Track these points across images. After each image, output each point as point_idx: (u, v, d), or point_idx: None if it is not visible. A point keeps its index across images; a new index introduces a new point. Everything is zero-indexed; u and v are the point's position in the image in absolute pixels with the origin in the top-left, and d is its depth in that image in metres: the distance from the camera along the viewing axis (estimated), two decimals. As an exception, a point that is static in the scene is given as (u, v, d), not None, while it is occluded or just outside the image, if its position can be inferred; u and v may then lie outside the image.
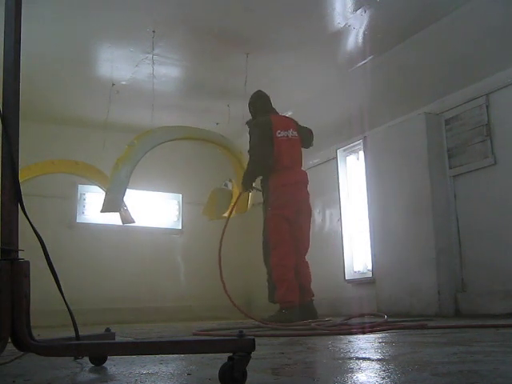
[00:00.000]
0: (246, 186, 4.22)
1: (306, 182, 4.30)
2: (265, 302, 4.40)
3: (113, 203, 4.34)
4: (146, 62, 4.76)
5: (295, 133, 4.27)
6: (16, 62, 1.44)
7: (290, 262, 4.06)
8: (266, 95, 4.44)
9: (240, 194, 4.35)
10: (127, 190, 4.45)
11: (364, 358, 1.67)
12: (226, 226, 4.15)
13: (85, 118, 6.03)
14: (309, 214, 4.30)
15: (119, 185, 4.32)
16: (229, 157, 4.93)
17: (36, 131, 5.63)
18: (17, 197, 1.38)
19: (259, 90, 4.46)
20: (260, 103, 4.41)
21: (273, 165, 4.13)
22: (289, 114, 5.73)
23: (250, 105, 4.46)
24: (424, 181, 4.50)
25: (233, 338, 1.23)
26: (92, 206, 6.25)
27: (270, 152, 4.09)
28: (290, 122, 4.32)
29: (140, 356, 1.80)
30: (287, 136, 4.18)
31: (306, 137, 4.43)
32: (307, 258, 4.33)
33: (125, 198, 4.46)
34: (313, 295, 4.22)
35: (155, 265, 6.36)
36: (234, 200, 4.61)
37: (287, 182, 4.14)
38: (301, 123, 4.43)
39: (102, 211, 4.43)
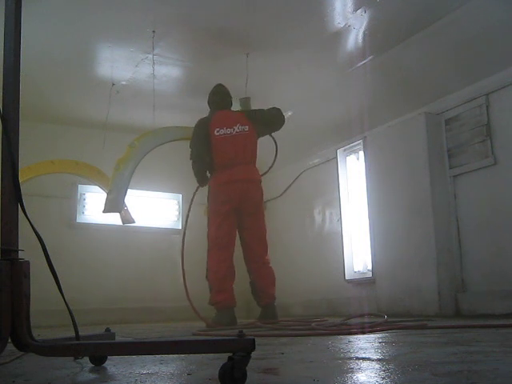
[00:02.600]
0: (201, 183, 4.27)
1: (253, 180, 4.15)
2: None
3: (114, 203, 4.35)
4: (146, 62, 4.76)
5: (245, 127, 4.12)
6: (16, 62, 1.45)
7: (224, 264, 4.02)
8: (223, 91, 4.36)
9: (197, 188, 4.37)
10: (128, 190, 4.46)
11: (364, 358, 1.67)
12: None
13: (85, 118, 6.03)
14: (259, 212, 4.17)
15: (121, 185, 4.33)
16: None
17: (36, 131, 5.63)
18: (17, 197, 1.38)
19: (217, 85, 4.40)
20: (214, 99, 4.35)
21: (211, 163, 4.13)
22: (289, 114, 5.73)
23: (208, 98, 4.42)
24: (424, 181, 4.50)
25: (233, 338, 1.23)
26: (92, 206, 6.25)
27: (205, 150, 4.09)
28: (237, 117, 4.19)
29: (140, 356, 1.80)
30: (230, 133, 4.08)
31: (265, 120, 4.27)
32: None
33: (125, 198, 4.47)
34: (274, 298, 4.14)
35: (155, 265, 6.36)
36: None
37: (223, 181, 4.05)
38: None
39: (104, 211, 4.44)
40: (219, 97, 4.34)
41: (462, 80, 4.39)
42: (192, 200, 4.48)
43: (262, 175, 4.39)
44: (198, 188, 4.37)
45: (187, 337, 3.05)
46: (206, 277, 4.11)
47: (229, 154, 4.07)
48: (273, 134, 4.49)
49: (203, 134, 4.11)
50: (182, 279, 4.16)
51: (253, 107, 4.56)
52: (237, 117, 4.20)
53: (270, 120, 4.31)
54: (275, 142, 4.53)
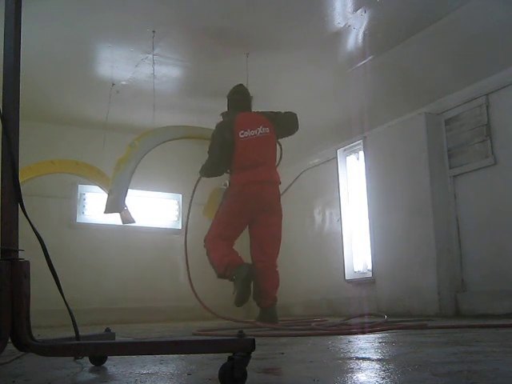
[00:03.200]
0: (203, 176, 4.44)
1: (273, 181, 4.17)
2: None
3: (115, 204, 4.35)
4: (146, 62, 4.76)
5: (266, 129, 4.14)
6: (16, 62, 1.45)
7: (227, 246, 4.10)
8: (243, 91, 4.36)
9: (198, 179, 4.53)
10: (128, 190, 4.46)
11: (364, 358, 1.67)
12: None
13: (85, 118, 6.03)
14: (275, 214, 4.19)
15: (121, 185, 4.33)
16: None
17: (36, 131, 5.62)
18: (17, 197, 1.38)
19: (239, 85, 4.39)
20: (234, 98, 4.34)
21: (226, 169, 4.23)
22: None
23: (227, 97, 4.41)
24: (424, 181, 4.50)
25: (233, 338, 1.24)
26: (92, 205, 6.25)
27: (223, 157, 4.13)
28: (260, 119, 4.19)
29: (140, 356, 1.80)
30: (255, 135, 4.08)
31: (285, 125, 4.30)
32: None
33: (126, 198, 4.47)
34: (275, 299, 4.13)
35: (155, 265, 6.36)
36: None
37: (247, 180, 4.05)
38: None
39: (105, 212, 4.43)
40: (240, 96, 4.34)
41: (462, 80, 4.39)
42: (194, 190, 4.58)
43: None
44: (199, 179, 4.48)
45: (187, 337, 3.05)
46: (207, 253, 4.18)
47: (252, 156, 4.07)
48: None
49: (226, 137, 4.09)
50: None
51: (253, 107, 4.55)
52: (260, 119, 4.20)
53: (287, 125, 4.33)
54: (280, 145, 4.53)
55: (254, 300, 4.22)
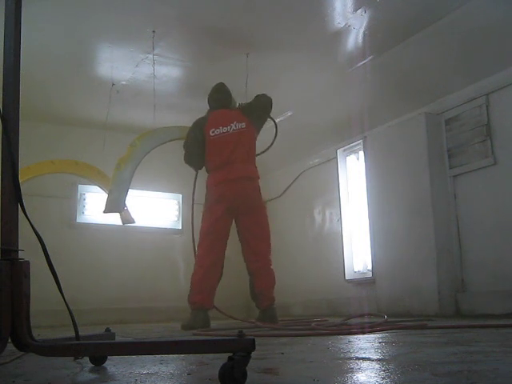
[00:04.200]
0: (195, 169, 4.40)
1: (250, 177, 4.08)
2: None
3: (115, 203, 4.34)
4: (146, 62, 4.76)
5: (242, 124, 4.08)
6: (16, 62, 1.45)
7: (207, 259, 3.95)
8: (224, 89, 4.32)
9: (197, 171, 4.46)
10: (129, 190, 4.46)
11: (364, 358, 1.67)
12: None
13: (85, 118, 6.03)
14: (259, 210, 4.11)
15: (122, 185, 4.32)
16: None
17: (36, 131, 5.63)
18: (17, 197, 1.38)
19: (219, 83, 4.35)
20: (214, 97, 4.31)
21: (204, 165, 4.21)
22: (288, 114, 5.72)
23: (208, 96, 4.39)
24: (424, 181, 4.50)
25: (233, 338, 1.24)
26: (92, 205, 6.25)
27: (197, 153, 4.13)
28: (233, 114, 4.14)
29: (140, 356, 1.80)
30: (227, 131, 4.04)
31: (258, 113, 4.22)
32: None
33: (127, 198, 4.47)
34: (273, 300, 4.08)
35: (155, 265, 6.36)
36: None
37: (219, 180, 4.01)
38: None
39: (104, 212, 4.43)
40: (221, 95, 4.30)
41: (462, 80, 4.39)
42: (195, 183, 4.46)
43: (259, 154, 4.34)
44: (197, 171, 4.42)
45: (187, 337, 3.06)
46: (194, 271, 4.08)
47: (225, 153, 4.01)
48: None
49: (197, 136, 4.09)
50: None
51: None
52: (233, 114, 4.15)
53: (259, 111, 4.23)
54: (275, 123, 4.48)
55: (253, 301, 4.22)
